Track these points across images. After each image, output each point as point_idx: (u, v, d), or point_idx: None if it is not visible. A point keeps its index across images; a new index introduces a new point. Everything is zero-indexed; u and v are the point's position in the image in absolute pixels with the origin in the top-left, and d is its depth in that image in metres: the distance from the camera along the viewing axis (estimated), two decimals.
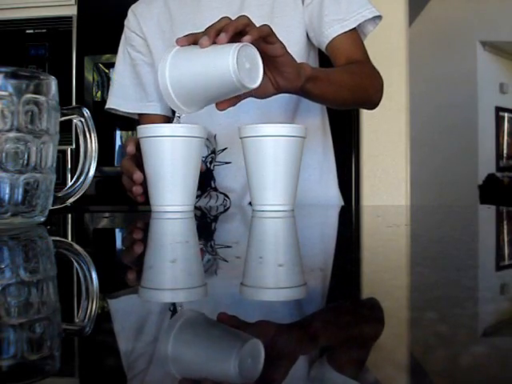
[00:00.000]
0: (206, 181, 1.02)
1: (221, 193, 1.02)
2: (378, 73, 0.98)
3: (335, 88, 0.88)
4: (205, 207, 1.00)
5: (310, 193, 1.02)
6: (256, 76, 0.71)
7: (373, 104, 1.00)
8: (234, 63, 0.67)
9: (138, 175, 0.79)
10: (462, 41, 5.03)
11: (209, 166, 1.03)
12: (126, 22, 1.09)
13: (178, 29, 1.00)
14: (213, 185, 1.03)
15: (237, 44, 0.68)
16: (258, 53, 0.71)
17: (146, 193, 0.80)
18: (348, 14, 0.95)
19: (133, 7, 1.09)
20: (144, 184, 0.79)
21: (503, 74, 5.53)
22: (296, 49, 0.98)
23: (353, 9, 0.95)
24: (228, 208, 0.98)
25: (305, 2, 0.98)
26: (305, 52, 1.01)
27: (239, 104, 0.96)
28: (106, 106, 1.09)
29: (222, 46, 0.69)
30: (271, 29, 0.73)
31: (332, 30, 0.95)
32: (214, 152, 1.02)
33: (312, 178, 1.03)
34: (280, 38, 0.90)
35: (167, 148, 0.73)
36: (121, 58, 1.10)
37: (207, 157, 1.02)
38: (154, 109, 1.08)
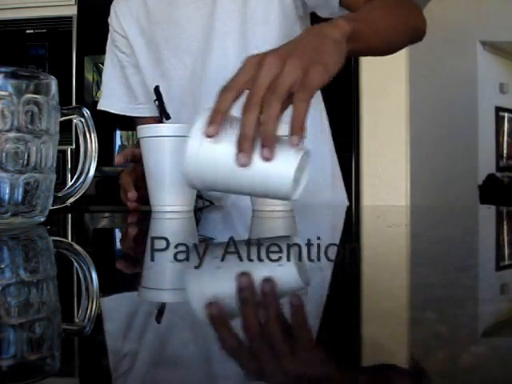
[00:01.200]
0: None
1: (206, 200, 1.02)
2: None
3: (383, 33, 0.73)
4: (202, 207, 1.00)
5: (308, 194, 1.00)
6: (297, 186, 0.58)
7: (422, 31, 0.84)
8: (289, 188, 0.53)
9: (131, 194, 0.83)
10: (462, 41, 5.02)
11: None
12: (109, 20, 1.05)
13: (155, 25, 0.98)
14: (198, 192, 1.03)
15: (292, 163, 0.53)
16: (308, 162, 0.59)
17: (142, 201, 0.84)
18: None
19: (114, 3, 1.04)
20: (145, 192, 0.80)
21: (503, 74, 5.53)
22: (273, 42, 0.85)
23: None
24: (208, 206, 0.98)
25: None
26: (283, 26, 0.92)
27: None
28: (98, 108, 1.08)
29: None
30: (323, 70, 0.56)
31: None
32: None
33: (313, 181, 1.01)
34: (256, 35, 0.89)
35: (167, 148, 0.73)
36: (108, 58, 1.08)
37: None
38: (143, 111, 1.07)
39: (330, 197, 1.05)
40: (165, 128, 0.75)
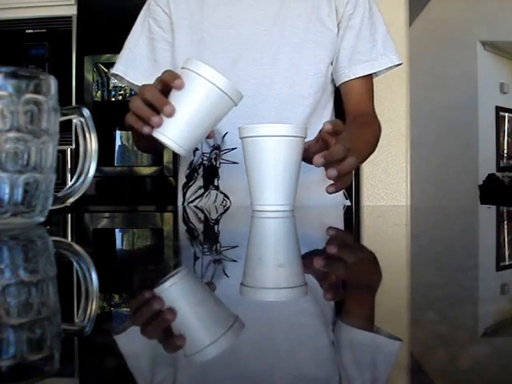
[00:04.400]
0: (209, 178, 1.01)
1: (221, 192, 1.01)
2: (379, 125, 1.03)
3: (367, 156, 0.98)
4: (205, 208, 1.00)
5: (312, 196, 1.00)
6: None
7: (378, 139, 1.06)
8: None
9: (171, 107, 0.67)
10: (462, 41, 5.03)
11: (214, 163, 1.01)
12: None
13: (208, 13, 0.98)
14: (216, 183, 1.02)
15: None
16: None
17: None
18: (378, 55, 0.99)
19: None
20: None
21: (503, 74, 5.53)
22: (321, 65, 0.99)
23: (381, 52, 0.99)
24: (228, 208, 0.97)
25: (340, 26, 0.99)
26: (328, 70, 1.01)
27: (256, 107, 0.97)
28: (112, 72, 1.04)
29: None
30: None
31: (357, 68, 0.99)
32: (217, 148, 1.00)
33: (315, 181, 1.01)
34: (308, 54, 0.95)
35: (270, 147, 0.72)
36: (138, 27, 1.05)
37: (211, 153, 1.01)
38: None
39: (321, 195, 1.05)
40: (268, 128, 0.73)
